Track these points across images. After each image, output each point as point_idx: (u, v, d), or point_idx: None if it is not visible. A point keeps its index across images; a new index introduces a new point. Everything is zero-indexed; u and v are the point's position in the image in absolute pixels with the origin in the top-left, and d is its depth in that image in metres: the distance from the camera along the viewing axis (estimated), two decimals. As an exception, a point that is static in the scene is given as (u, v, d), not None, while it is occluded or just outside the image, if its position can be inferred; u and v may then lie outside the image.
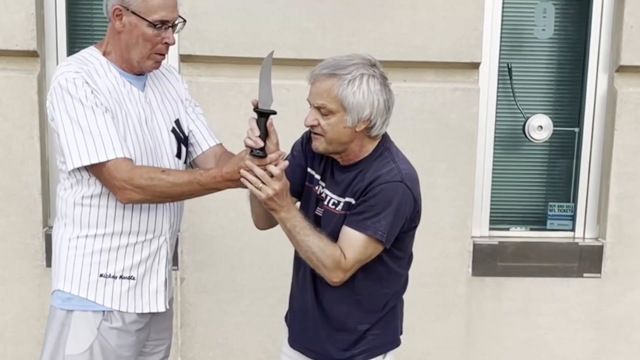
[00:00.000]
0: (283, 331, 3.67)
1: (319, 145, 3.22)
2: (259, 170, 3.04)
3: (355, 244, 3.13)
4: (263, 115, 3.11)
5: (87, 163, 3.19)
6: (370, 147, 3.27)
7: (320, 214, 3.31)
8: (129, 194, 3.21)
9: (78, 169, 3.26)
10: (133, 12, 3.27)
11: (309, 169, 3.41)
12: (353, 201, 3.20)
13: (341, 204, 3.25)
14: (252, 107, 3.13)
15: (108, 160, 3.18)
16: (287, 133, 5.13)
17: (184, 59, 5.12)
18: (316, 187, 3.36)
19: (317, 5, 5.04)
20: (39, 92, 4.98)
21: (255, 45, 5.05)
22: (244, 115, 5.02)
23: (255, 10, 5.04)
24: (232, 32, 5.04)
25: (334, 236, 3.19)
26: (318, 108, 3.18)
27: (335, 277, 3.14)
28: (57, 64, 4.97)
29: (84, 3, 5.20)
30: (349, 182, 3.24)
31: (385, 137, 3.32)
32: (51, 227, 4.93)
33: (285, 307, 3.68)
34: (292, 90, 5.04)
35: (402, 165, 3.23)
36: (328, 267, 3.11)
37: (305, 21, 5.05)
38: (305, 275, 3.39)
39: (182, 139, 3.59)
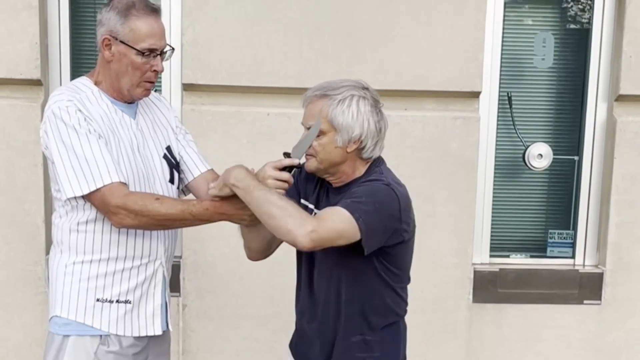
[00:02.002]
0: (287, 358, 3.67)
1: (311, 165, 3.26)
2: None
3: (333, 213, 3.07)
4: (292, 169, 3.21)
5: (85, 192, 3.22)
6: (363, 169, 3.30)
7: None
8: (123, 219, 3.23)
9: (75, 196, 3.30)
10: (122, 42, 3.30)
11: (302, 201, 3.44)
12: None
13: None
14: (295, 164, 3.20)
15: (103, 186, 3.21)
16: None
17: (187, 87, 5.15)
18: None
19: (318, 35, 5.09)
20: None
21: (257, 75, 5.10)
22: (246, 143, 5.11)
23: (257, 40, 5.08)
24: (234, 61, 5.08)
25: (337, 255, 3.19)
26: (309, 129, 3.22)
27: (304, 229, 2.93)
28: (61, 92, 5.01)
29: (87, 32, 5.23)
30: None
31: (378, 159, 3.35)
32: (54, 254, 4.97)
33: (286, 334, 3.69)
34: (293, 119, 5.04)
35: (391, 180, 3.25)
36: (295, 216, 2.98)
37: (306, 51, 5.09)
38: (305, 296, 3.43)
39: (174, 165, 3.61)
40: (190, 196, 3.68)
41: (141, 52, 3.31)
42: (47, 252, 5.13)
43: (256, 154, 5.08)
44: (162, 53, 3.39)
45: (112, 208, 3.22)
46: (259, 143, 5.14)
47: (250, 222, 3.23)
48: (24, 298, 5.24)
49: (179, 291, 5.25)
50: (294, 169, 3.23)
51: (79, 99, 3.31)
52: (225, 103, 5.18)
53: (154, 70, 3.39)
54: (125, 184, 3.27)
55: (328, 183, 3.37)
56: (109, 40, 3.32)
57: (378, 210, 3.11)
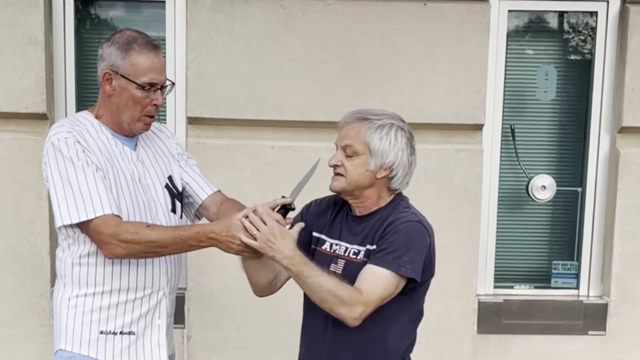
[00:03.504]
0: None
1: (337, 185, 3.26)
2: (252, 216, 3.09)
3: (377, 279, 3.09)
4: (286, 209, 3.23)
5: (75, 221, 3.23)
6: (388, 198, 3.31)
7: (338, 270, 3.28)
8: (115, 249, 3.23)
9: (71, 226, 3.30)
10: (122, 76, 3.33)
11: (314, 233, 3.43)
12: (373, 247, 3.20)
13: (362, 252, 3.25)
14: (286, 204, 3.21)
15: (96, 217, 3.22)
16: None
17: (191, 121, 5.19)
18: (324, 247, 3.38)
19: (322, 69, 5.12)
20: (48, 154, 5.03)
21: (261, 108, 5.14)
22: (250, 176, 5.14)
23: (261, 74, 5.12)
24: (238, 94, 5.12)
25: None
26: (344, 148, 3.24)
27: (355, 312, 3.04)
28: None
29: (92, 67, 5.16)
30: (369, 231, 3.26)
31: (401, 193, 3.37)
32: (59, 287, 4.98)
33: (290, 366, 3.70)
34: (297, 152, 5.11)
35: (419, 213, 3.29)
36: (346, 302, 3.04)
37: (310, 84, 5.13)
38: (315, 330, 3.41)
39: (175, 195, 3.62)
40: (204, 220, 3.70)
41: (141, 87, 3.33)
42: (52, 285, 5.16)
43: (260, 186, 5.11)
44: (162, 87, 3.42)
45: (104, 238, 3.22)
46: (263, 176, 5.16)
47: (237, 251, 3.19)
48: (29, 330, 5.26)
49: (183, 323, 5.26)
50: (290, 211, 3.23)
51: (79, 131, 3.33)
52: (230, 136, 5.21)
53: (154, 104, 3.40)
54: (119, 216, 3.28)
55: (349, 209, 3.38)
56: (110, 74, 3.35)
57: (419, 253, 3.18)
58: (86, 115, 3.48)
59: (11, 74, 5.03)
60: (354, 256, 3.27)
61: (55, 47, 5.18)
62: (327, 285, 3.06)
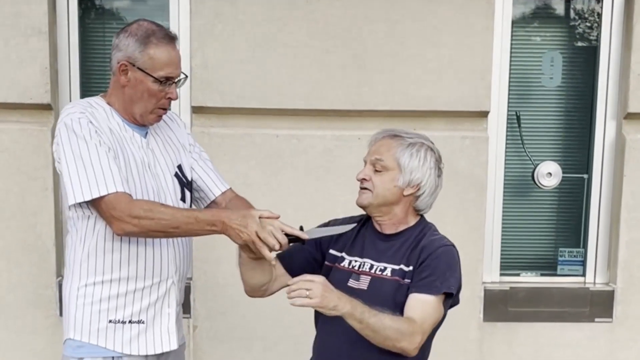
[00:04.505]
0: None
1: (365, 199, 3.30)
2: (296, 279, 3.00)
3: (428, 306, 3.14)
4: (297, 241, 3.20)
5: (88, 198, 3.22)
6: (414, 220, 3.38)
7: (361, 286, 3.29)
8: (125, 226, 3.22)
9: (80, 205, 3.31)
10: (139, 68, 3.33)
11: (331, 251, 3.45)
12: (408, 268, 3.24)
13: (389, 269, 3.28)
14: (302, 237, 3.17)
15: (109, 194, 3.21)
16: (297, 181, 5.19)
17: (196, 110, 5.18)
18: (342, 264, 3.39)
19: (326, 57, 5.11)
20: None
21: (265, 96, 5.12)
22: (255, 165, 5.13)
23: (265, 62, 5.11)
24: (243, 83, 5.11)
25: (386, 301, 3.19)
26: (373, 163, 3.29)
27: (415, 342, 3.07)
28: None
29: (97, 56, 5.26)
30: (398, 249, 3.31)
31: (424, 217, 3.44)
32: (65, 278, 4.98)
33: (296, 355, 3.68)
34: (302, 140, 5.10)
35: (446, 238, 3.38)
36: (406, 333, 3.05)
37: (315, 72, 5.11)
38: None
39: (185, 184, 3.63)
40: None
41: (158, 80, 3.34)
42: (58, 276, 5.16)
43: (265, 175, 5.11)
44: (177, 81, 3.42)
45: (115, 213, 3.22)
46: (268, 164, 5.15)
47: (244, 241, 3.15)
48: (35, 321, 5.25)
49: (189, 312, 5.26)
50: (295, 242, 3.20)
51: (91, 112, 3.33)
52: (234, 125, 5.20)
53: (168, 98, 3.42)
54: (130, 195, 3.27)
55: (376, 226, 3.40)
56: (126, 66, 3.34)
57: (459, 274, 3.27)
58: (97, 100, 3.48)
59: (15, 65, 5.01)
60: (380, 272, 3.30)
61: (59, 38, 5.17)
62: (388, 322, 3.05)
